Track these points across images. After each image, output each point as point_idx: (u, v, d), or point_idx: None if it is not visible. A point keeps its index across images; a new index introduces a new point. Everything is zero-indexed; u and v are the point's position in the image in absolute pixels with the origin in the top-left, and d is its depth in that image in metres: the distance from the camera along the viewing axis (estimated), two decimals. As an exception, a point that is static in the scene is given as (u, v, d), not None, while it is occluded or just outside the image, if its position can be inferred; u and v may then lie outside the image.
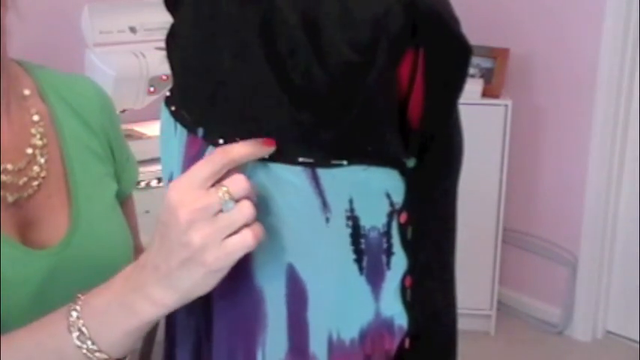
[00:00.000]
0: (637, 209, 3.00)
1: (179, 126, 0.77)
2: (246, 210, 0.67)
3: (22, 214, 0.95)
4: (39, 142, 0.99)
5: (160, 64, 2.24)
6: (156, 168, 2.10)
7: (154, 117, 2.35)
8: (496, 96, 2.98)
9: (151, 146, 2.04)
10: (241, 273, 0.71)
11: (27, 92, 1.01)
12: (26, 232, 0.95)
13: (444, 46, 0.66)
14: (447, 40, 0.66)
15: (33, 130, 0.99)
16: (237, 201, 0.67)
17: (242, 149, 0.67)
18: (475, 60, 2.90)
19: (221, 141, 0.70)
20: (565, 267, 3.15)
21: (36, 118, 1.00)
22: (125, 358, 0.79)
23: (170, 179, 0.81)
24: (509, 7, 3.16)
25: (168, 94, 0.81)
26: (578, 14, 2.97)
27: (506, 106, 2.94)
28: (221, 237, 0.67)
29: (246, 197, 0.67)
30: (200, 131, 0.73)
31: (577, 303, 3.12)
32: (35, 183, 0.97)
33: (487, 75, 3.02)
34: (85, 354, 0.75)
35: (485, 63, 3.02)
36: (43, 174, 0.98)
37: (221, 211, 0.67)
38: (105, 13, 2.26)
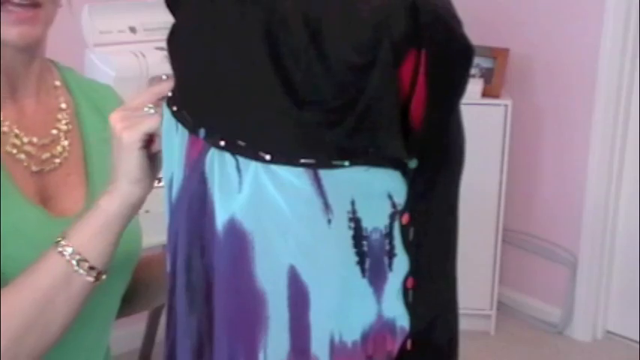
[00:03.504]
0: (637, 209, 3.00)
1: (180, 126, 0.77)
2: (163, 110, 0.82)
3: (44, 185, 1.05)
4: (64, 127, 1.09)
5: (160, 64, 2.23)
6: (156, 168, 2.10)
7: (154, 117, 2.35)
8: (496, 96, 2.98)
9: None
10: (243, 274, 0.71)
11: (57, 83, 1.11)
12: (46, 201, 1.04)
13: (446, 46, 0.66)
14: (449, 40, 0.66)
15: (59, 116, 1.09)
16: None
17: (164, 85, 0.86)
18: (475, 60, 2.89)
19: (222, 142, 0.70)
20: (565, 267, 3.14)
21: (63, 105, 1.10)
22: (102, 275, 0.92)
23: (171, 180, 0.81)
24: (509, 7, 3.16)
25: (169, 94, 0.81)
26: (578, 14, 2.97)
27: (506, 106, 2.94)
28: (137, 127, 0.87)
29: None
30: (202, 132, 0.73)
31: (577, 303, 3.12)
32: (57, 160, 1.07)
33: (487, 75, 3.01)
34: (67, 261, 0.90)
35: (486, 63, 3.02)
36: (65, 154, 1.07)
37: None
38: (105, 13, 2.25)
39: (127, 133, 0.87)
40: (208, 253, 0.74)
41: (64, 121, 1.09)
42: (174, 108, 0.78)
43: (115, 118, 0.89)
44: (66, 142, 1.08)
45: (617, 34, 2.87)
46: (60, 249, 0.91)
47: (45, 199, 1.04)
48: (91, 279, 0.92)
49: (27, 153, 1.04)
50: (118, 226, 0.91)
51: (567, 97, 3.06)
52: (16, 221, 0.98)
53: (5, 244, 0.96)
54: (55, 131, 1.07)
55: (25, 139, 1.04)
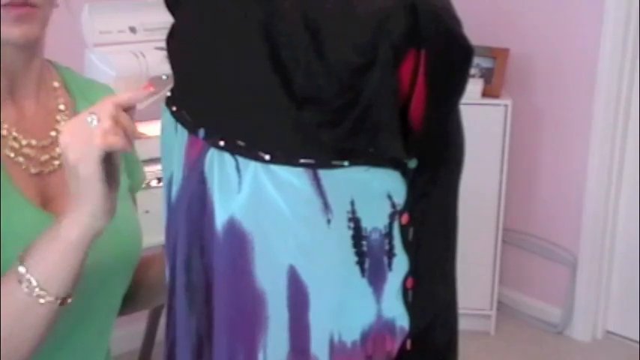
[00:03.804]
0: (637, 209, 3.00)
1: (180, 126, 0.77)
2: (106, 123, 0.81)
3: (44, 186, 1.04)
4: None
5: (160, 64, 2.23)
6: (156, 168, 2.09)
7: (154, 117, 2.35)
8: (496, 96, 2.98)
9: (151, 146, 2.03)
10: (242, 274, 0.71)
11: (56, 84, 1.11)
12: (47, 203, 1.03)
13: (445, 47, 0.66)
14: (448, 41, 0.66)
15: (58, 117, 1.08)
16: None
17: (123, 96, 0.84)
18: (475, 60, 2.89)
19: (222, 142, 0.70)
20: (565, 267, 3.14)
21: (62, 107, 1.09)
22: (67, 299, 0.89)
23: (170, 180, 0.81)
24: (509, 7, 3.16)
25: (169, 94, 0.81)
26: (578, 14, 2.97)
27: (506, 106, 2.94)
28: (85, 147, 0.82)
29: (113, 118, 0.81)
30: (201, 132, 0.73)
31: (577, 303, 3.12)
32: (56, 162, 1.05)
33: (487, 75, 3.02)
34: (26, 292, 0.87)
35: (486, 63, 3.02)
36: None
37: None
38: (105, 13, 2.25)
39: (82, 166, 0.83)
40: (208, 253, 0.74)
41: (62, 123, 1.07)
42: (174, 108, 0.78)
43: (65, 143, 0.84)
44: None
45: (617, 34, 2.87)
46: (19, 279, 0.88)
47: (46, 201, 1.03)
48: (54, 306, 0.89)
49: (25, 156, 1.03)
50: (80, 253, 0.88)
51: (567, 97, 3.06)
52: (17, 224, 0.97)
53: (6, 247, 0.95)
54: (54, 133, 1.06)
55: (24, 142, 1.03)
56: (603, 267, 3.08)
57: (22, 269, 0.88)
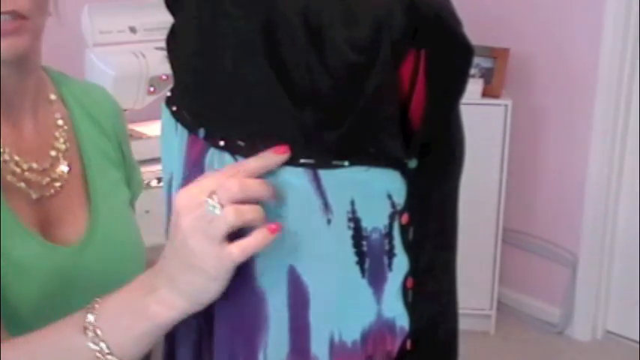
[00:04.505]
0: (637, 209, 3.00)
1: (180, 126, 0.77)
2: (229, 216, 0.67)
3: (45, 212, 0.99)
4: (62, 146, 1.03)
5: (160, 64, 2.24)
6: (156, 168, 2.10)
7: (154, 117, 2.35)
8: (496, 96, 2.98)
9: (151, 146, 2.03)
10: (243, 274, 0.71)
11: (53, 97, 1.05)
12: (48, 229, 0.98)
13: (445, 47, 0.66)
14: (448, 41, 0.66)
15: (57, 134, 1.03)
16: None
17: (254, 163, 0.68)
18: (475, 60, 2.89)
19: (222, 142, 0.70)
20: (565, 267, 3.14)
21: (60, 122, 1.04)
22: None
23: (170, 180, 0.80)
24: (509, 7, 3.16)
25: (168, 94, 0.81)
26: (578, 14, 2.97)
27: (506, 106, 2.94)
28: (214, 243, 0.68)
29: (237, 201, 0.67)
30: (201, 132, 0.73)
31: (577, 303, 3.12)
32: (57, 184, 1.00)
33: (487, 75, 3.02)
34: (97, 356, 0.76)
35: (486, 63, 3.02)
36: (65, 176, 1.01)
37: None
38: (105, 13, 2.26)
39: (211, 268, 0.68)
40: (208, 252, 0.74)
41: (61, 139, 1.03)
42: (174, 108, 0.78)
43: (185, 233, 0.69)
44: (65, 163, 1.02)
45: (617, 33, 2.87)
46: (91, 334, 0.76)
47: (46, 227, 0.98)
48: None
49: (27, 181, 0.97)
50: (164, 332, 0.77)
51: (567, 97, 3.06)
52: (19, 255, 0.92)
53: (7, 278, 0.90)
54: (54, 152, 1.01)
55: (25, 166, 0.97)
56: (603, 267, 3.08)
57: (90, 329, 0.76)
